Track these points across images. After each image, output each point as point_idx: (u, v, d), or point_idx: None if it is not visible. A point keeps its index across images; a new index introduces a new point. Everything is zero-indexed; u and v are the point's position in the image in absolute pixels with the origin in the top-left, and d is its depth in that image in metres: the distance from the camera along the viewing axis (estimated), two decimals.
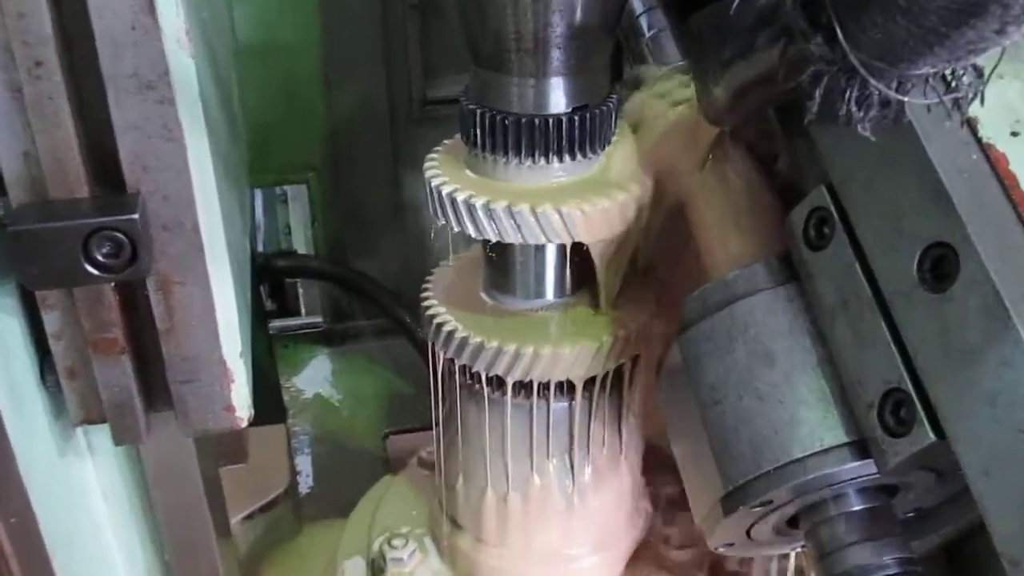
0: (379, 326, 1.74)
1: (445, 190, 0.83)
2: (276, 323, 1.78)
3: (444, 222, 0.84)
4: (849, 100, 0.55)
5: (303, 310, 1.84)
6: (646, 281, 0.93)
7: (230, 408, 0.66)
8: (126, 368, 0.63)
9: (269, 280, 1.74)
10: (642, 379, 0.94)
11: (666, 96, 0.90)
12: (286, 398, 1.66)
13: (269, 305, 1.84)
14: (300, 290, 1.83)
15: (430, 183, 0.85)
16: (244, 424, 0.68)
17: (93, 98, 0.57)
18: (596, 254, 0.85)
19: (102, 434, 0.69)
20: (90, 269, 0.57)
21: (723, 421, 0.73)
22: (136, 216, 0.57)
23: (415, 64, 1.51)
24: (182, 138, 0.58)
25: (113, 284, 0.61)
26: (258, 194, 1.91)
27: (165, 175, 0.59)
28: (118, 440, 0.67)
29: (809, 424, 0.70)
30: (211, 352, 0.64)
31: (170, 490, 0.75)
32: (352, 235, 1.67)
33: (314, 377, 1.73)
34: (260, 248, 1.85)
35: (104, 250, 0.57)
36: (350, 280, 1.64)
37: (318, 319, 1.78)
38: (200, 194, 0.60)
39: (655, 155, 0.86)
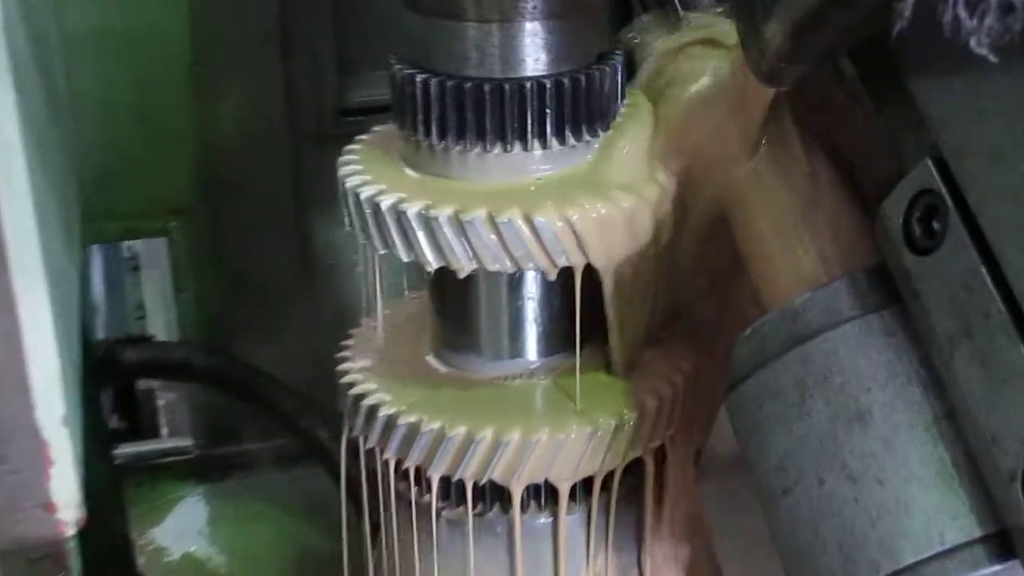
0: (280, 449, 1.73)
1: (366, 193, 0.85)
2: (125, 449, 1.76)
3: (366, 242, 0.86)
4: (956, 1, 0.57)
5: (165, 429, 1.83)
6: (675, 331, 0.94)
7: (50, 506, 0.66)
8: None
9: (113, 383, 1.74)
10: (675, 476, 0.94)
11: (701, 52, 0.91)
12: (141, 560, 1.63)
13: (114, 422, 1.83)
14: (160, 398, 1.82)
15: (345, 185, 0.87)
16: (70, 532, 0.67)
17: None
18: (607, 285, 0.86)
19: None
20: None
21: (796, 516, 0.74)
22: None
23: (326, 55, 1.53)
24: None
25: None
26: (95, 254, 1.91)
27: None
28: None
29: (924, 512, 0.70)
30: (18, 415, 0.63)
31: None
32: (237, 311, 1.67)
33: (183, 529, 1.71)
34: (100, 334, 1.84)
35: None
36: (235, 379, 1.63)
37: (187, 442, 1.76)
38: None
39: (683, 139, 0.88)
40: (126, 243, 1.87)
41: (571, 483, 0.90)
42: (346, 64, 1.53)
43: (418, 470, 0.91)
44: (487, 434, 0.88)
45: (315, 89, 1.53)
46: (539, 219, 0.82)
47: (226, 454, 1.74)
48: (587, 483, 0.92)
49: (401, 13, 0.85)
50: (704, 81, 0.90)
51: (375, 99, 1.42)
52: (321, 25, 1.51)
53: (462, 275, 0.85)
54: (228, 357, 1.65)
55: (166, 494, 1.72)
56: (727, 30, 0.90)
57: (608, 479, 0.92)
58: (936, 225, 0.70)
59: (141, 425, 1.86)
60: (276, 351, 1.66)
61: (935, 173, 0.70)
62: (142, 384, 1.85)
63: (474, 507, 0.92)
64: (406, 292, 1.02)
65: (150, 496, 1.72)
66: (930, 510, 0.70)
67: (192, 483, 1.74)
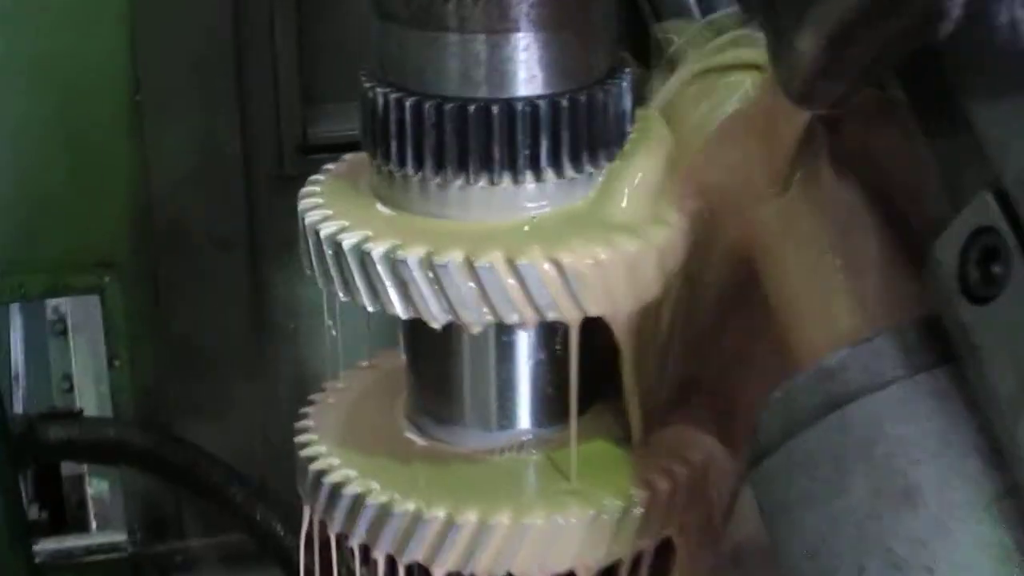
0: (228, 546, 1.72)
1: (326, 230, 0.84)
2: (47, 544, 1.75)
3: (325, 288, 0.86)
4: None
5: (94, 522, 1.82)
6: (695, 403, 0.94)
7: None
8: None
9: (34, 465, 1.72)
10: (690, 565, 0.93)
11: (726, 77, 0.91)
12: None
13: (34, 512, 1.81)
14: (89, 486, 1.81)
15: (305, 221, 0.86)
16: None
17: None
18: (622, 334, 0.86)
19: None
20: None
21: None
22: None
23: (288, 83, 1.53)
24: None
25: None
26: (14, 314, 1.91)
27: None
28: None
29: None
30: None
31: None
32: (179, 384, 1.67)
33: None
34: (19, 408, 1.84)
35: None
36: (176, 463, 1.63)
37: (120, 536, 1.76)
38: None
39: (703, 174, 0.88)
40: (51, 302, 1.86)
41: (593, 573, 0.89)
42: (311, 93, 1.53)
43: (391, 560, 0.89)
44: (470, 517, 0.86)
45: (275, 122, 1.54)
46: (523, 263, 0.81)
47: (166, 551, 1.74)
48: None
49: (373, 25, 0.85)
50: (728, 108, 0.89)
51: (344, 135, 1.41)
52: (283, 48, 1.52)
53: (438, 327, 0.84)
54: (168, 437, 1.65)
55: None
56: (757, 50, 0.91)
57: (611, 573, 0.90)
58: (997, 269, 0.69)
59: (66, 516, 1.84)
60: (224, 430, 1.65)
61: (996, 208, 0.69)
62: (68, 468, 1.84)
63: None
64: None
65: None
66: None
67: None
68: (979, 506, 0.70)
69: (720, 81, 0.91)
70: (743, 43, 0.92)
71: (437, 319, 0.83)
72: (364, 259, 0.82)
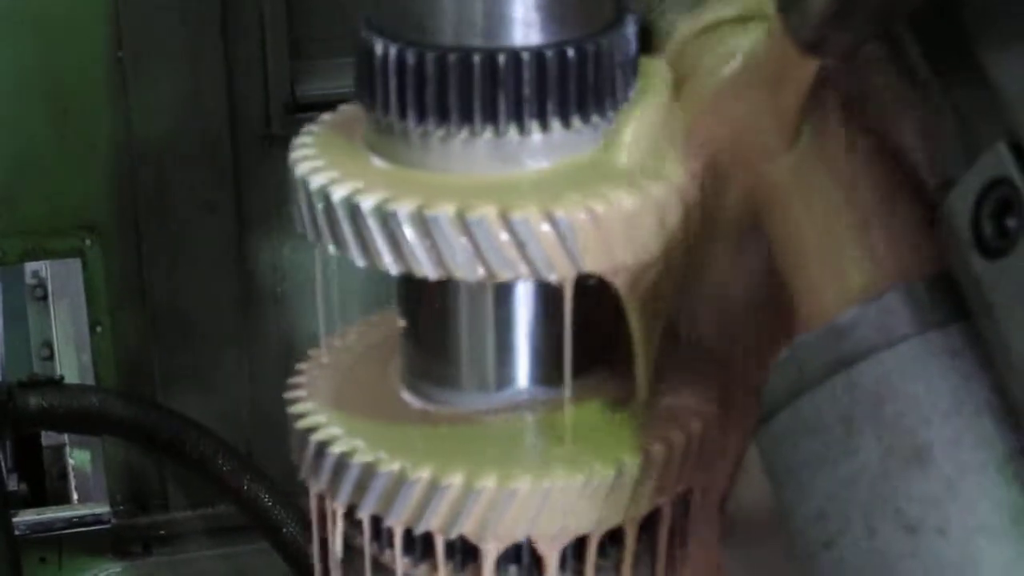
0: (214, 518, 1.73)
1: (316, 182, 0.84)
2: (26, 516, 1.76)
3: (323, 245, 0.85)
4: None
5: (75, 493, 1.81)
6: (696, 356, 0.94)
7: None
8: None
9: (13, 435, 1.73)
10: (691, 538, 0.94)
11: (731, 30, 0.91)
12: None
13: (13, 483, 1.81)
14: (70, 456, 1.81)
15: (295, 173, 0.86)
16: None
17: None
18: (625, 293, 0.86)
19: None
20: None
21: (841, 573, 0.73)
22: None
23: (276, 37, 1.53)
24: None
25: None
26: None
27: None
28: None
29: (994, 569, 0.69)
30: None
31: None
32: (163, 351, 1.67)
33: None
34: None
35: None
36: (160, 433, 1.63)
37: (102, 508, 1.76)
38: None
39: (708, 129, 0.88)
40: (30, 266, 1.86)
41: (559, 545, 0.89)
42: (300, 48, 1.53)
43: (376, 521, 0.90)
44: (456, 480, 0.86)
45: (262, 79, 1.53)
46: (516, 217, 0.81)
47: (149, 523, 1.74)
48: (579, 546, 0.90)
49: None
50: (734, 63, 0.89)
51: (334, 92, 1.41)
52: (271, 2, 1.51)
53: (433, 279, 0.84)
54: (152, 406, 1.65)
55: (76, 571, 1.72)
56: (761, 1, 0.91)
57: (605, 541, 0.91)
58: (1011, 222, 0.69)
59: (46, 488, 1.85)
60: (210, 399, 1.66)
61: (1011, 159, 0.70)
62: (49, 438, 1.84)
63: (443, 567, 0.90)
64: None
65: (57, 574, 1.71)
66: (1002, 566, 0.69)
67: (108, 558, 1.74)
68: (992, 466, 0.70)
69: (727, 31, 0.91)
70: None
71: (428, 274, 0.83)
72: (354, 212, 0.82)
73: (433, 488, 0.87)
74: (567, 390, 0.89)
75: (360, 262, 0.84)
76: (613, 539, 0.91)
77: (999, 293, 0.70)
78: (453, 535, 0.88)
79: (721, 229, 0.89)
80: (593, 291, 0.86)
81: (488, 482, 0.87)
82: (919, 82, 0.81)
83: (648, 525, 0.92)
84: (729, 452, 0.93)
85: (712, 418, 0.92)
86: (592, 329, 0.90)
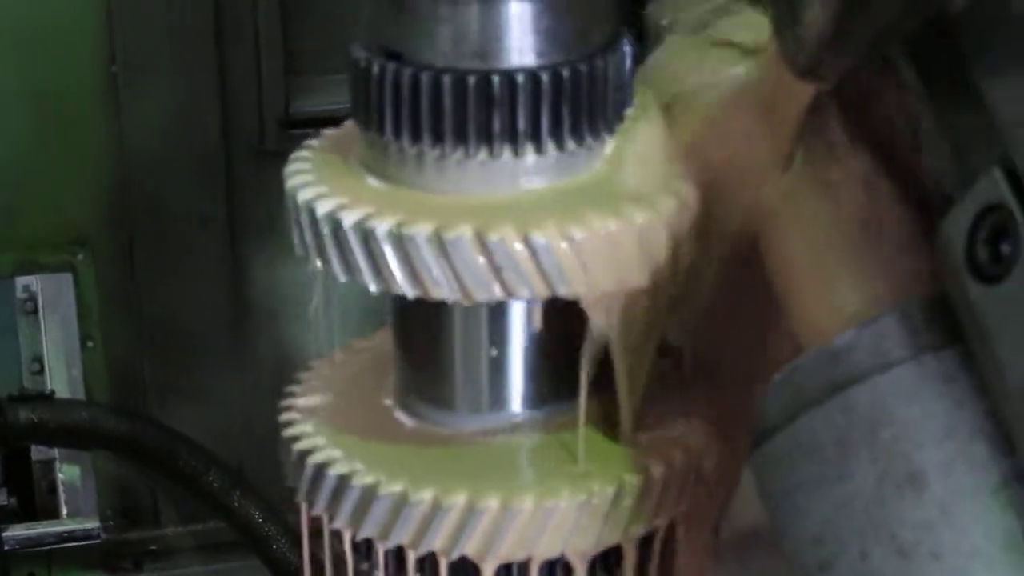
0: (206, 534, 1.73)
1: (323, 208, 0.84)
2: (16, 532, 1.76)
3: (320, 266, 0.86)
4: None
5: (64, 509, 1.81)
6: (689, 381, 0.94)
7: None
8: None
9: (3, 450, 1.73)
10: (685, 556, 0.94)
11: (723, 54, 0.92)
12: None
13: (4, 498, 1.82)
14: (60, 471, 1.81)
15: (296, 199, 0.87)
16: None
17: None
18: (606, 323, 0.86)
19: None
20: None
21: None
22: None
23: (271, 54, 1.53)
24: None
25: None
26: None
27: None
28: None
29: None
30: None
31: None
32: (155, 366, 1.67)
33: None
34: None
35: None
36: (151, 448, 1.63)
37: (92, 524, 1.76)
38: None
39: (703, 151, 0.88)
40: (21, 279, 1.85)
41: (586, 559, 0.89)
42: (295, 64, 1.53)
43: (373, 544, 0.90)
44: (458, 500, 0.87)
45: (257, 95, 1.53)
46: (537, 238, 0.81)
47: (139, 539, 1.74)
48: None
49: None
50: (728, 85, 0.90)
51: (329, 108, 1.42)
52: (266, 16, 1.52)
53: (449, 302, 0.84)
54: (143, 421, 1.64)
55: None
56: (754, 24, 0.91)
57: (603, 560, 0.91)
58: (1005, 248, 0.70)
59: (36, 503, 1.84)
60: (202, 414, 1.66)
61: (1005, 185, 0.70)
62: (38, 452, 1.84)
63: None
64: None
65: None
66: None
67: (98, 574, 1.73)
68: (986, 491, 0.71)
69: (713, 52, 0.91)
70: (732, 10, 0.92)
71: (407, 292, 0.83)
72: (367, 237, 0.82)
73: (436, 509, 0.87)
74: (581, 411, 0.90)
75: (342, 277, 0.85)
76: (606, 561, 0.92)
77: (994, 319, 0.71)
78: (455, 556, 0.88)
79: (718, 252, 0.89)
80: (575, 315, 0.86)
81: (491, 502, 0.87)
82: (915, 104, 0.82)
83: (643, 544, 0.93)
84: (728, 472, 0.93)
85: (712, 438, 0.93)
86: (570, 353, 0.90)
